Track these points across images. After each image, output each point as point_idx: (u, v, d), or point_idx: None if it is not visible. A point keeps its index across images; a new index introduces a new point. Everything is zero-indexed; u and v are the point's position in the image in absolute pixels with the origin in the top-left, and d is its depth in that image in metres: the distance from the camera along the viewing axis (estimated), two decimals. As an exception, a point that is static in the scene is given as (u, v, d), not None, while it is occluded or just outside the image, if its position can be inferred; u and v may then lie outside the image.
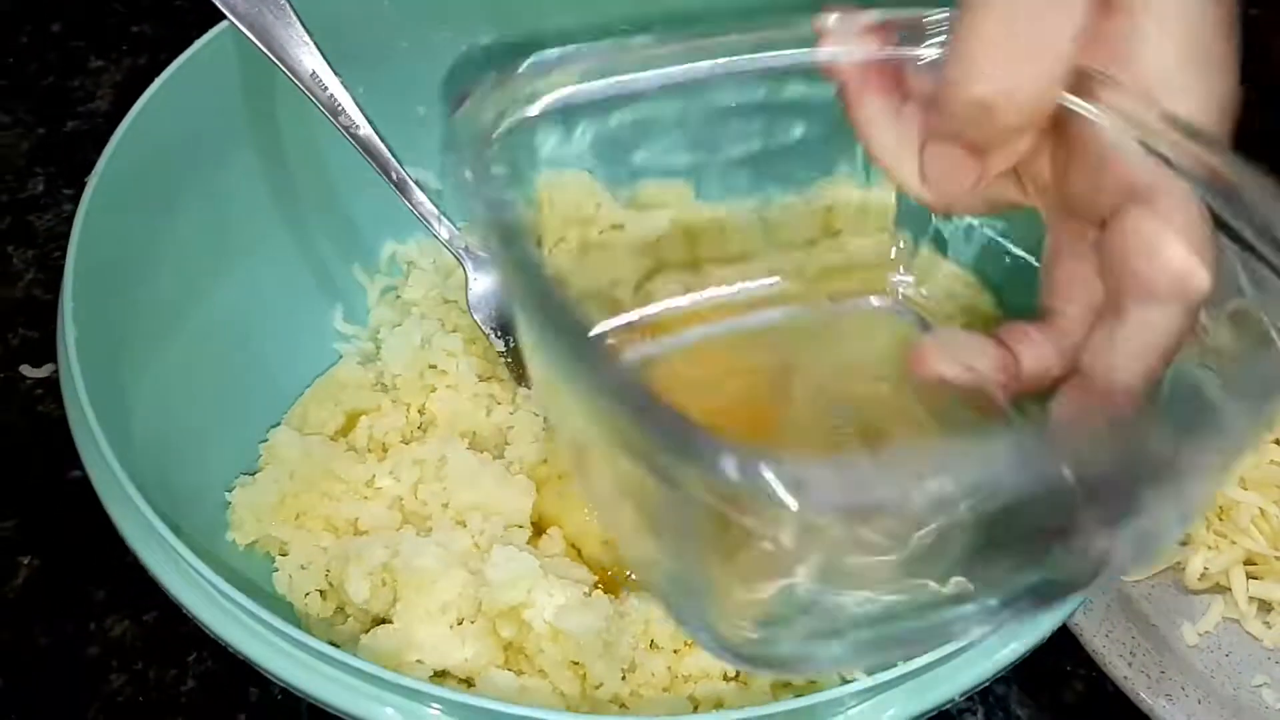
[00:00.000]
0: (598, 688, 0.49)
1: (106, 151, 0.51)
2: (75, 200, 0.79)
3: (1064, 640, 0.58)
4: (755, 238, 0.69)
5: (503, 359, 0.62)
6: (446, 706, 0.38)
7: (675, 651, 0.52)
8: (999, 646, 0.41)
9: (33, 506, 0.66)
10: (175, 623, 0.61)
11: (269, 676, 0.40)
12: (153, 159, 0.54)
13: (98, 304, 0.49)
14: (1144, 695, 0.56)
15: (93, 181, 0.50)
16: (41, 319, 0.74)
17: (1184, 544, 0.64)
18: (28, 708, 0.59)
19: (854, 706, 0.39)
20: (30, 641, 0.61)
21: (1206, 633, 0.62)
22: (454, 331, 0.63)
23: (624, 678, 0.50)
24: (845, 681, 0.42)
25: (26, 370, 0.71)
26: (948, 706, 0.40)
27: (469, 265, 0.60)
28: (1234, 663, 0.61)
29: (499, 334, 0.61)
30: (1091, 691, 0.61)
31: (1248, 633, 0.62)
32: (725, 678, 0.51)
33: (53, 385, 0.70)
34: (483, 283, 0.60)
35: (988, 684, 0.41)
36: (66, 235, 0.77)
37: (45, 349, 0.73)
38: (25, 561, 0.64)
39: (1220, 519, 0.64)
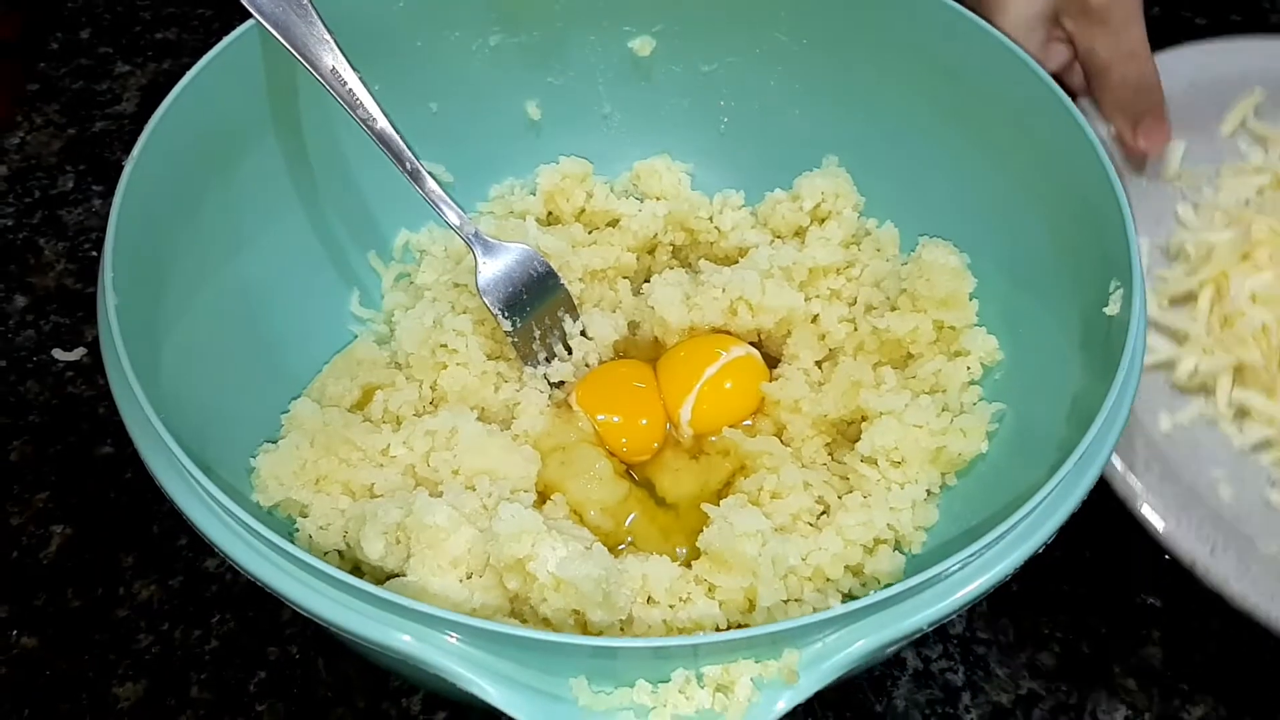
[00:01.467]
0: (598, 635, 0.52)
1: (140, 141, 0.54)
2: (103, 196, 0.84)
3: (1041, 601, 0.62)
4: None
5: (510, 339, 0.65)
6: (463, 633, 0.42)
7: (670, 606, 0.55)
8: (966, 581, 0.44)
9: (64, 479, 0.70)
10: (199, 587, 0.65)
11: (297, 609, 0.43)
12: (183, 148, 0.57)
13: (132, 285, 0.51)
14: (1114, 461, 0.61)
15: (128, 168, 0.53)
16: (72, 306, 0.78)
17: (1181, 344, 0.68)
18: (61, 666, 0.62)
19: (831, 634, 0.42)
20: (63, 604, 0.65)
21: (1182, 425, 0.66)
22: (464, 313, 0.66)
23: (622, 629, 0.54)
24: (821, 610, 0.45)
25: (58, 354, 0.75)
26: (916, 636, 0.44)
27: (478, 251, 0.64)
28: (1200, 456, 0.65)
29: (506, 315, 0.64)
30: (1068, 654, 0.65)
31: (1222, 433, 0.66)
32: (717, 628, 0.55)
33: (82, 368, 0.75)
34: (491, 267, 0.64)
35: (957, 615, 0.44)
36: (95, 228, 0.82)
37: (75, 334, 0.77)
38: (58, 530, 0.67)
39: (1222, 328, 0.67)
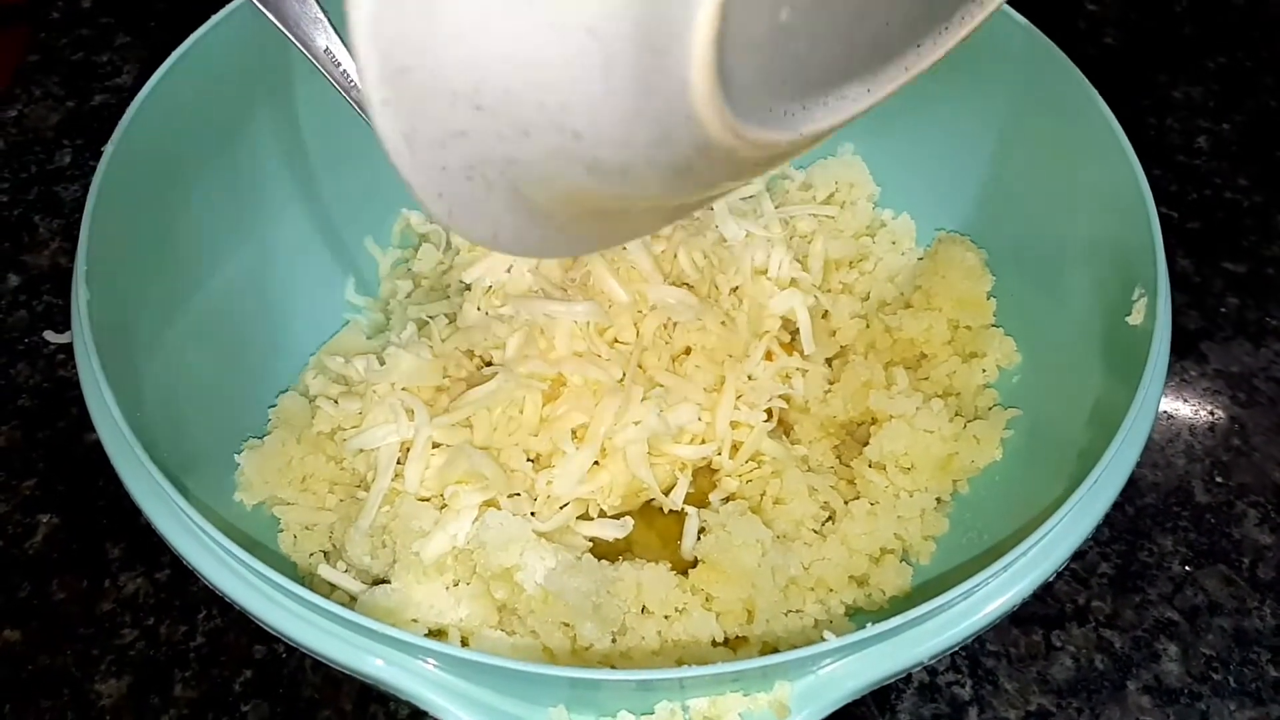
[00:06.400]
0: (587, 649, 0.50)
1: (123, 122, 0.52)
2: (101, 172, 0.82)
3: (1053, 612, 0.59)
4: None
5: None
6: (438, 659, 0.40)
7: (666, 617, 0.53)
8: (977, 607, 0.42)
9: (52, 467, 0.68)
10: (186, 581, 0.63)
11: (266, 628, 0.42)
12: (169, 130, 0.55)
13: (112, 269, 0.50)
14: None
15: (109, 150, 0.51)
16: (66, 287, 0.76)
17: None
18: (44, 661, 0.61)
19: (826, 666, 0.40)
20: (47, 596, 0.63)
21: None
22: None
23: (614, 640, 0.51)
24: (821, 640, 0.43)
25: (50, 336, 0.73)
26: (917, 668, 0.41)
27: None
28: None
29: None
30: (1081, 669, 0.62)
31: None
32: (714, 643, 0.53)
33: (74, 351, 0.73)
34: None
35: (958, 649, 0.42)
36: (91, 205, 0.80)
37: (68, 315, 0.74)
38: (44, 520, 0.66)
39: None
